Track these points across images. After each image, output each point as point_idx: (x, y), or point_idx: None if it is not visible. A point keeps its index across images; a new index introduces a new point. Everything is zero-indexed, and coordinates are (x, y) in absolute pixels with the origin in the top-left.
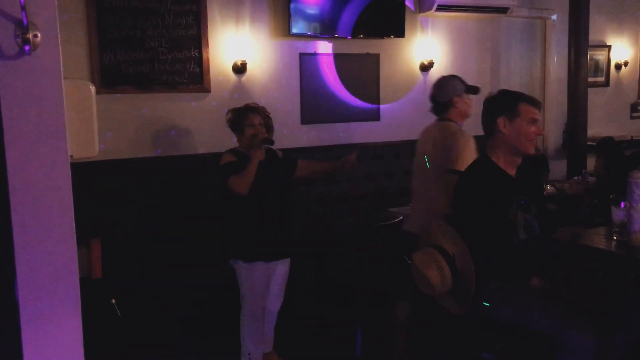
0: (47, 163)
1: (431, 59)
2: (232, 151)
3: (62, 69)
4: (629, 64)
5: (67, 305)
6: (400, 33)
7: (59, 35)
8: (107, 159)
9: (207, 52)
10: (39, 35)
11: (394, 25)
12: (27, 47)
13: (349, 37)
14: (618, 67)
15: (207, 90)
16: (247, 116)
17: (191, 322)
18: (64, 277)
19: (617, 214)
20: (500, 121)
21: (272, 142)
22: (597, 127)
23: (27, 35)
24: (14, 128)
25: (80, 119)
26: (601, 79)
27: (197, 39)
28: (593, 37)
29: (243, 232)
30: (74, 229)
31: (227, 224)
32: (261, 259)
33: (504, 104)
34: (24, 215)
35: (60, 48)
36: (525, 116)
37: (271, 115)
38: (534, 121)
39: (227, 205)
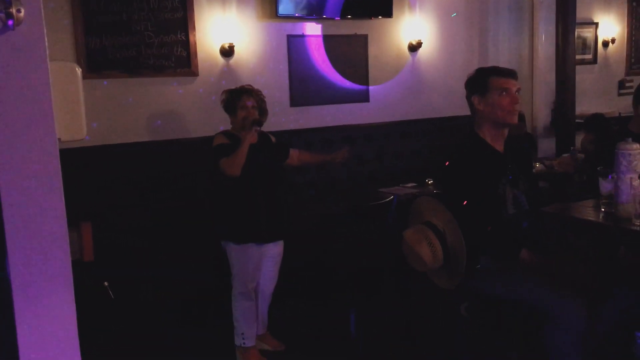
0: (35, 140)
1: (419, 39)
2: (224, 133)
3: (47, 44)
4: (616, 41)
5: (60, 284)
6: (388, 13)
7: (42, 9)
8: (94, 144)
9: (194, 36)
10: (22, 10)
11: (381, 5)
12: (10, 22)
13: (337, 18)
14: (605, 44)
15: (194, 74)
16: (240, 98)
17: (184, 304)
18: (56, 256)
19: (605, 186)
20: (475, 99)
21: (260, 124)
22: (585, 104)
23: (11, 10)
24: None
25: (67, 101)
26: (589, 56)
27: (183, 22)
28: (580, 14)
29: (234, 214)
30: (64, 208)
31: (217, 206)
32: (252, 240)
33: (476, 82)
34: (14, 194)
35: (44, 22)
36: (496, 88)
37: None
38: (506, 91)
39: (217, 187)
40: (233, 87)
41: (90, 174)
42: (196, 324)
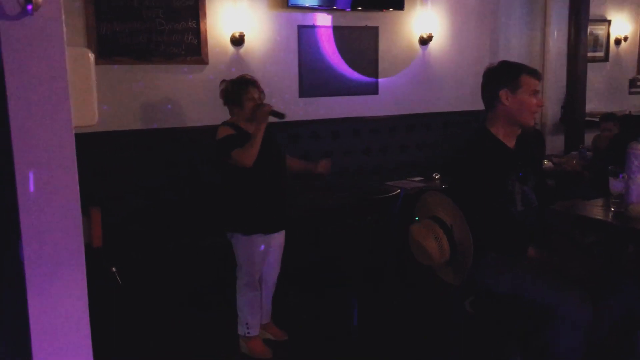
0: (51, 125)
1: (430, 32)
2: (227, 124)
3: (64, 29)
4: (628, 39)
5: (73, 270)
6: (399, 5)
7: None
8: (103, 130)
9: (205, 24)
10: None
11: None
12: (29, 7)
13: (348, 10)
14: (618, 42)
15: (204, 62)
16: (247, 89)
17: (189, 292)
18: (69, 241)
19: (615, 185)
20: (503, 93)
21: (282, 116)
22: (596, 102)
23: None
24: (18, 90)
25: (79, 86)
26: (600, 54)
27: (194, 10)
28: (593, 11)
29: (242, 204)
30: (78, 194)
31: (224, 196)
32: (260, 231)
33: (506, 76)
34: (29, 179)
35: (62, 9)
36: (527, 88)
37: (269, 88)
38: (535, 93)
39: (225, 178)
40: (233, 78)
41: (99, 159)
42: (201, 312)
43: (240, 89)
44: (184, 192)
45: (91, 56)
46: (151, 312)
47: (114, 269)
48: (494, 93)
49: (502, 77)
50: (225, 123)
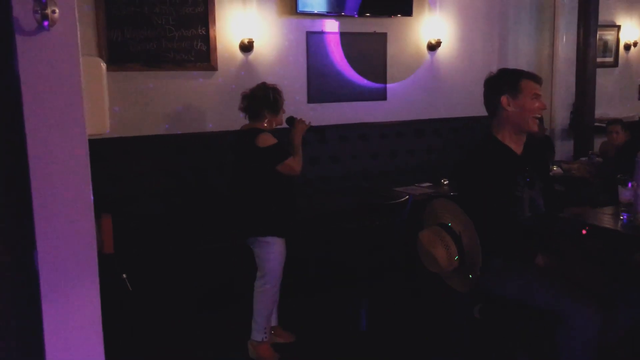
0: (65, 137)
1: (439, 38)
2: (266, 131)
3: (79, 44)
4: (638, 44)
5: (86, 275)
6: (408, 12)
7: (76, 10)
8: (114, 136)
9: (214, 30)
10: (57, 10)
11: (401, 3)
12: (45, 23)
13: (356, 16)
14: (627, 47)
15: (214, 68)
16: (281, 97)
17: (199, 297)
18: (82, 248)
19: (624, 194)
20: (504, 99)
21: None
22: (605, 107)
23: (46, 11)
24: (33, 103)
25: (91, 95)
26: (610, 59)
27: (204, 17)
28: (602, 17)
29: (278, 208)
30: (92, 202)
31: (257, 201)
32: (288, 234)
33: (506, 82)
34: (44, 188)
35: (77, 24)
36: (528, 92)
37: None
38: (536, 96)
39: (264, 183)
40: (263, 83)
41: (109, 165)
42: (210, 318)
43: (280, 97)
44: (193, 197)
45: (103, 66)
46: (160, 318)
47: (124, 276)
48: (495, 100)
49: (502, 84)
50: (266, 131)
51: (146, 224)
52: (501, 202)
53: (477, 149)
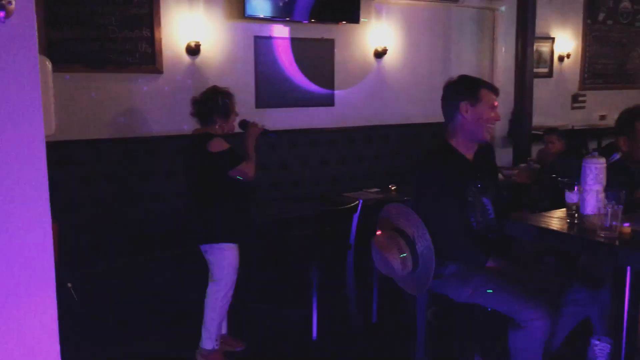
0: (22, 135)
1: (385, 46)
2: (217, 136)
3: (37, 37)
4: (571, 56)
5: (42, 282)
6: (354, 19)
7: (34, 2)
8: (56, 139)
9: (160, 32)
10: (13, 2)
11: (348, 10)
12: (1, 14)
13: (305, 22)
14: (561, 59)
15: (159, 71)
16: (232, 101)
17: (145, 308)
18: (39, 253)
19: (570, 197)
20: (463, 105)
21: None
22: (541, 116)
23: (2, 2)
24: None
25: None
26: (545, 70)
27: (148, 18)
28: (538, 29)
29: (233, 214)
30: (49, 204)
31: (211, 207)
32: (242, 239)
33: (466, 89)
34: None
35: (35, 15)
36: (486, 102)
37: None
38: (493, 107)
39: (216, 189)
40: (213, 87)
41: (50, 170)
42: (154, 328)
43: (230, 101)
44: (139, 203)
45: (49, 64)
46: (107, 329)
47: (69, 285)
48: (454, 105)
49: (462, 90)
50: (218, 135)
51: (90, 232)
52: (455, 207)
53: (431, 155)
